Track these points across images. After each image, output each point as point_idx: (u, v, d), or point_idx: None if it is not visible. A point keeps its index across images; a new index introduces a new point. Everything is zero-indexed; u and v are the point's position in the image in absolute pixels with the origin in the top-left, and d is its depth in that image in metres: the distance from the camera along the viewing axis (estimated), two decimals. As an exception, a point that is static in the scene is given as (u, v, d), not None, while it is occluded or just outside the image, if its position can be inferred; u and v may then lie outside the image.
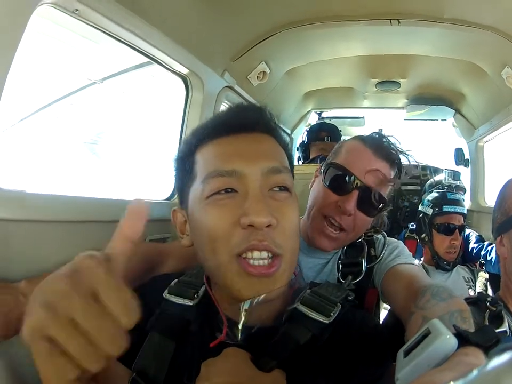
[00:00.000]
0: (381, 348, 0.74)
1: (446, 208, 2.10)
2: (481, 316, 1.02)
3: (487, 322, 1.01)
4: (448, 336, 0.50)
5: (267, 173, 0.70)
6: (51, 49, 1.60)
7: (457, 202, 2.12)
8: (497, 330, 0.98)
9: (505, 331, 0.99)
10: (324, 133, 2.70)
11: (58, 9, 0.93)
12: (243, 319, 0.69)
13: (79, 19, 1.00)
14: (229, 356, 0.65)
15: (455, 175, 2.39)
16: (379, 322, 0.98)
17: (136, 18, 1.11)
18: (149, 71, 1.67)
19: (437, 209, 2.12)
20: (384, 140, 1.17)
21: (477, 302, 1.07)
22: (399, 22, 1.59)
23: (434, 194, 2.22)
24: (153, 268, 1.05)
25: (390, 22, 1.60)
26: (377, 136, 1.20)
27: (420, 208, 2.26)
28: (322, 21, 1.62)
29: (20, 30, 0.80)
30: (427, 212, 2.16)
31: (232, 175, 0.69)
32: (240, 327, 0.69)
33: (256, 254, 0.67)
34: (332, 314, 0.73)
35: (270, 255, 0.68)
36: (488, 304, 1.05)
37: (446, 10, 1.52)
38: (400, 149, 1.17)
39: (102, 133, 2.53)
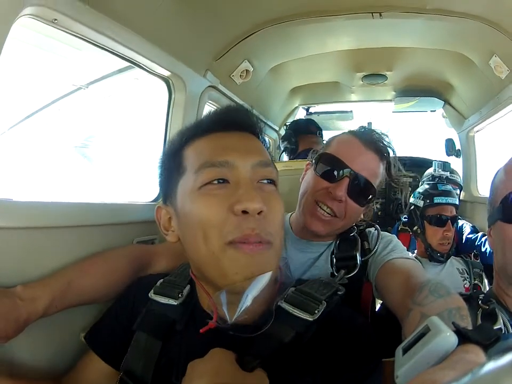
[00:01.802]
0: (369, 346, 0.75)
1: (437, 200, 2.09)
2: (474, 315, 0.98)
3: (479, 321, 0.98)
4: (448, 334, 0.51)
5: (256, 165, 0.74)
6: (34, 57, 1.61)
7: (448, 193, 2.11)
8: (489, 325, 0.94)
9: (500, 329, 0.95)
10: (314, 128, 2.70)
11: (37, 19, 0.94)
12: (224, 306, 0.70)
13: (58, 28, 1.00)
14: (214, 356, 0.66)
15: (445, 166, 2.38)
16: (367, 320, 0.99)
17: (114, 24, 1.11)
18: (133, 74, 1.68)
19: (428, 201, 2.11)
20: (374, 133, 1.21)
21: (469, 300, 1.02)
22: (380, 15, 1.58)
23: (425, 186, 2.22)
24: (142, 269, 1.07)
25: (372, 15, 1.59)
26: (367, 130, 1.24)
27: (411, 200, 2.25)
28: (303, 16, 1.62)
29: (0, 42, 0.81)
30: (418, 204, 2.15)
31: (225, 166, 0.72)
32: (226, 312, 0.70)
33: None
34: (316, 312, 0.73)
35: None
36: (480, 302, 1.03)
37: (429, 1, 1.51)
38: (389, 143, 1.21)
39: (92, 136, 2.54)
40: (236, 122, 0.80)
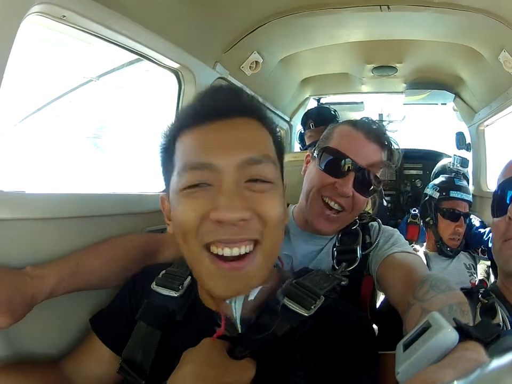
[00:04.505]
0: (363, 339, 0.74)
1: (453, 194, 2.11)
2: (473, 309, 0.99)
3: (478, 315, 0.99)
4: (449, 330, 0.50)
5: (243, 164, 0.67)
6: (46, 52, 1.64)
7: (464, 189, 2.13)
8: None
9: (499, 324, 0.96)
10: (310, 120, 2.73)
11: (46, 16, 0.96)
12: (237, 314, 0.69)
13: (67, 24, 1.02)
14: (204, 345, 0.67)
15: (463, 162, 2.39)
16: (364, 314, 0.99)
17: (122, 19, 1.13)
18: (143, 66, 1.70)
19: (444, 193, 2.13)
20: (374, 124, 1.21)
21: (469, 294, 1.04)
22: (388, 8, 1.58)
23: (442, 178, 2.23)
24: (150, 256, 1.08)
25: (380, 8, 1.58)
26: (366, 120, 1.23)
27: (426, 191, 2.27)
28: (310, 9, 1.62)
29: (10, 40, 0.82)
30: (433, 196, 2.17)
31: (206, 168, 0.66)
32: (238, 322, 0.69)
33: (226, 251, 0.66)
34: (312, 307, 0.72)
35: (245, 250, 0.66)
36: (480, 296, 1.04)
37: (437, -6, 1.49)
38: (388, 132, 1.21)
39: (103, 127, 2.58)
40: (221, 108, 0.71)
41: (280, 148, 0.77)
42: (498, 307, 1.00)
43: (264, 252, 0.69)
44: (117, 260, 1.02)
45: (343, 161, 1.14)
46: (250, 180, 0.67)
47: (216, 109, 0.71)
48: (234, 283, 0.67)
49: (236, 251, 0.66)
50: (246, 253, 0.67)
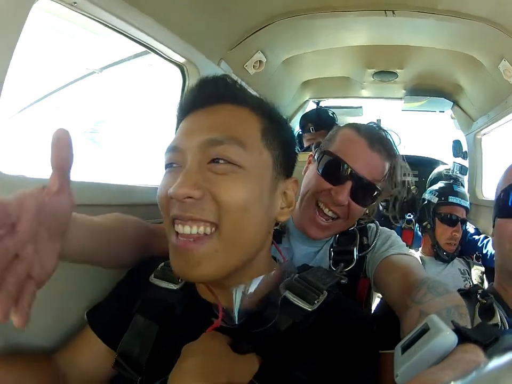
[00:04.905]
0: (367, 338, 0.74)
1: (451, 199, 2.16)
2: (472, 309, 0.98)
3: (477, 315, 0.97)
4: (448, 333, 0.50)
5: (205, 145, 0.68)
6: (50, 40, 1.63)
7: (462, 195, 2.19)
8: (488, 323, 0.95)
9: (497, 324, 0.95)
10: (309, 124, 2.74)
11: (57, 2, 0.95)
12: (236, 304, 0.71)
13: (77, 11, 1.02)
14: (206, 338, 0.66)
15: (462, 169, 2.46)
16: (367, 312, 0.97)
17: (132, 9, 1.13)
18: (148, 60, 1.70)
19: (442, 198, 2.19)
20: (381, 131, 1.18)
21: (468, 294, 1.03)
22: (393, 13, 1.59)
23: (441, 184, 2.30)
24: (150, 243, 1.03)
25: (385, 13, 1.60)
26: (373, 126, 1.20)
27: (424, 196, 2.33)
28: (317, 11, 1.63)
29: (20, 24, 0.81)
30: (432, 200, 2.22)
31: (175, 151, 0.71)
32: (236, 312, 0.71)
33: (180, 228, 0.67)
34: (316, 302, 0.72)
35: (196, 230, 0.66)
36: (478, 296, 1.02)
37: (440, 1, 1.52)
38: (395, 142, 1.19)
39: (101, 122, 2.56)
40: (201, 97, 0.75)
41: (276, 137, 0.76)
42: (496, 307, 1.00)
43: (222, 238, 0.67)
44: (118, 235, 0.95)
45: (341, 167, 1.10)
46: (213, 160, 0.68)
47: (200, 99, 0.75)
48: (184, 263, 0.68)
49: (187, 229, 0.66)
50: (203, 236, 0.67)
